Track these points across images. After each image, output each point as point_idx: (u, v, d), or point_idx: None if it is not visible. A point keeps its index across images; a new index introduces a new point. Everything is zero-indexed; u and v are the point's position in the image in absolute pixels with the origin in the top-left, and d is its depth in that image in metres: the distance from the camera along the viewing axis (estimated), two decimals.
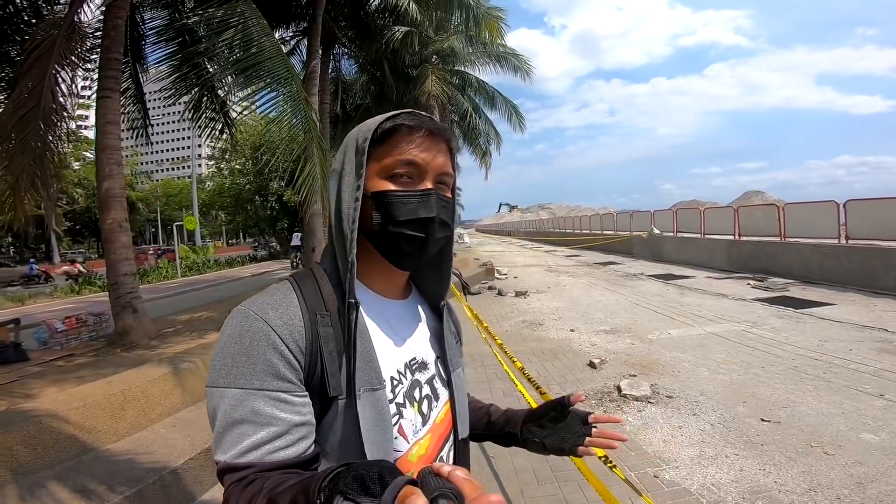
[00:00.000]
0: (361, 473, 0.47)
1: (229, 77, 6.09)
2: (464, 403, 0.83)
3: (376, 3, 10.12)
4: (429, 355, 0.79)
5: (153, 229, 52.23)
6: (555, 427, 0.93)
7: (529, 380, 2.70)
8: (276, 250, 31.05)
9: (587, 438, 0.90)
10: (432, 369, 0.79)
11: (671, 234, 16.71)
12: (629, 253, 18.25)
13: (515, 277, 13.28)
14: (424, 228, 0.70)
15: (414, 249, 0.72)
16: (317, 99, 8.10)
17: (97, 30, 5.67)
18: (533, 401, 3.01)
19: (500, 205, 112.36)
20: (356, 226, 0.69)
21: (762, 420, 3.55)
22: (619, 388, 4.24)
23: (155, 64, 6.90)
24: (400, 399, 0.71)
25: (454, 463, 0.79)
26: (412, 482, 0.45)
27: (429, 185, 0.71)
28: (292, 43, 11.37)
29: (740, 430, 3.41)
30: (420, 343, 0.79)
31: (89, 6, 5.67)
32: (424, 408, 0.75)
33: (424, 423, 0.74)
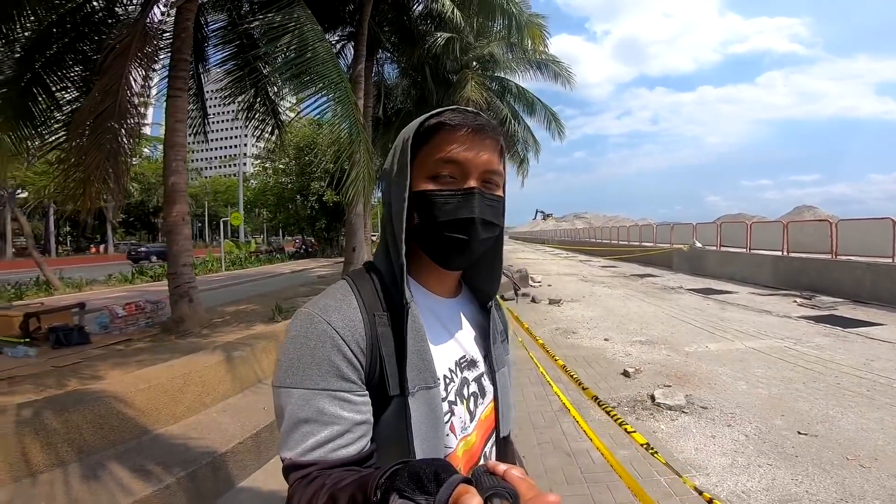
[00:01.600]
0: (417, 471, 0.47)
1: (282, 80, 6.37)
2: (507, 401, 0.84)
3: (419, 8, 10.34)
4: (477, 353, 0.80)
5: (199, 224, 54.59)
6: None
7: (573, 377, 2.77)
8: (314, 248, 31.83)
9: None
10: (481, 367, 0.80)
11: (714, 247, 16.20)
12: (668, 266, 17.80)
13: (549, 286, 13.21)
14: (465, 229, 0.69)
15: (456, 250, 0.71)
16: (361, 103, 8.37)
17: (164, 31, 6.06)
18: (568, 402, 3.07)
19: (537, 211, 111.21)
20: (404, 227, 0.69)
21: (799, 433, 3.50)
22: (652, 397, 4.23)
23: (215, 66, 7.34)
24: (452, 397, 0.72)
25: (497, 459, 0.82)
26: (467, 480, 0.45)
27: (473, 183, 0.69)
28: (338, 47, 11.77)
29: (775, 442, 3.38)
30: (469, 341, 0.80)
31: (158, 7, 6.08)
32: (471, 405, 0.76)
33: (472, 419, 0.76)
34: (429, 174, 0.69)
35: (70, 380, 3.96)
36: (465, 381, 0.76)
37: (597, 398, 2.38)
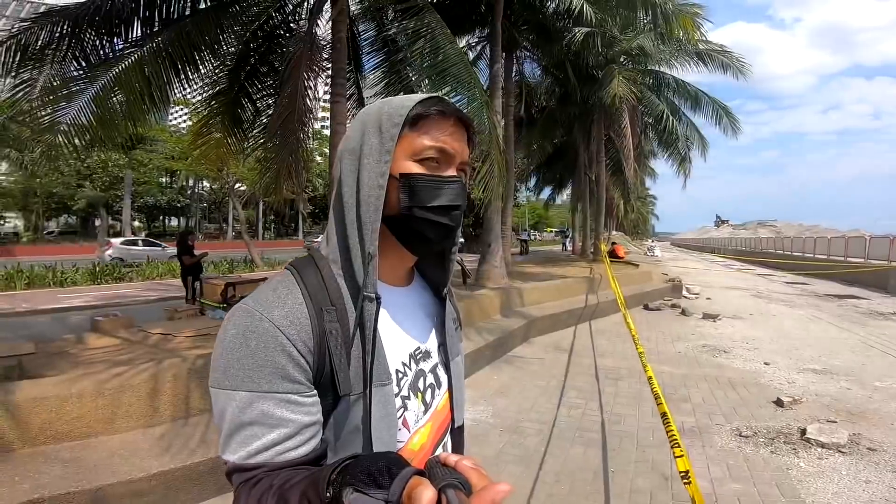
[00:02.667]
0: (369, 465, 0.47)
1: (426, 81, 6.89)
2: (461, 391, 0.83)
3: (553, 6, 10.04)
4: (432, 343, 0.78)
5: None
6: None
7: (654, 388, 2.54)
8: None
9: None
10: (436, 357, 0.78)
11: None
12: (882, 287, 14.16)
13: (708, 298, 11.70)
14: (451, 215, 0.70)
15: (438, 236, 0.70)
16: (500, 102, 8.51)
17: (328, 42, 7.02)
18: (675, 425, 2.76)
19: (717, 217, 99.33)
20: (380, 214, 0.66)
21: None
22: (803, 431, 3.51)
23: (370, 71, 8.19)
24: (405, 392, 0.70)
25: (452, 449, 0.81)
26: (420, 473, 0.46)
27: (453, 172, 0.70)
28: (478, 48, 11.98)
29: None
30: (424, 331, 0.78)
31: (321, 21, 7.05)
32: (428, 397, 0.75)
33: (426, 411, 0.74)
34: (414, 157, 0.68)
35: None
36: (420, 374, 0.74)
37: (665, 414, 2.13)
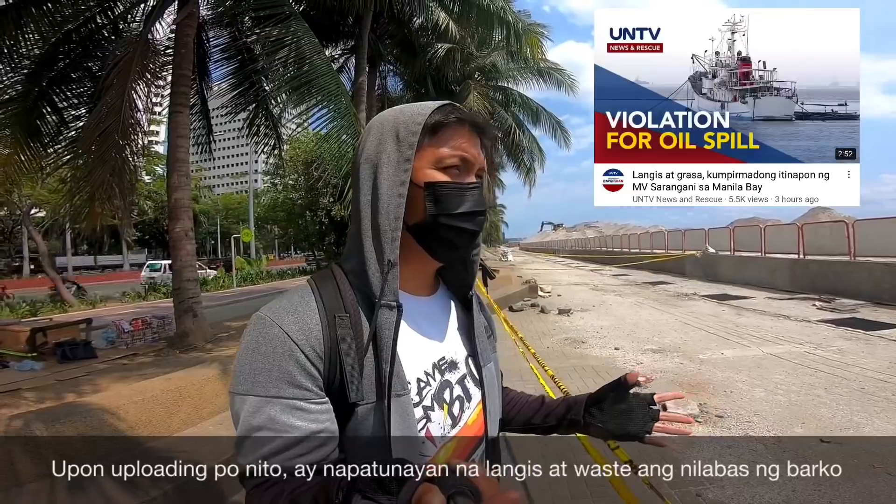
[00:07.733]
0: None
1: (284, 94, 6.46)
2: (495, 400, 0.79)
3: (419, 21, 10.48)
4: (459, 353, 0.76)
5: (213, 241, 55.28)
6: (617, 410, 0.90)
7: (561, 388, 2.66)
8: (324, 264, 31.80)
9: (656, 425, 0.91)
10: (463, 368, 0.76)
11: (727, 252, 15.91)
12: (681, 272, 17.50)
13: (559, 295, 13.06)
14: (475, 221, 0.70)
15: (463, 242, 0.71)
16: (364, 115, 8.43)
17: (168, 47, 6.19)
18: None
19: (543, 223, 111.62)
20: (400, 223, 0.67)
21: (822, 440, 3.32)
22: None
23: (218, 81, 7.48)
24: (427, 402, 0.69)
25: (487, 463, 0.78)
26: (430, 479, 0.45)
27: (473, 178, 0.71)
28: (341, 61, 11.90)
29: (796, 451, 3.19)
30: (449, 341, 0.76)
31: (161, 24, 6.22)
32: (455, 409, 0.72)
33: (454, 425, 0.72)
34: (437, 166, 0.69)
35: (69, 393, 4.02)
36: (446, 384, 0.72)
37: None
